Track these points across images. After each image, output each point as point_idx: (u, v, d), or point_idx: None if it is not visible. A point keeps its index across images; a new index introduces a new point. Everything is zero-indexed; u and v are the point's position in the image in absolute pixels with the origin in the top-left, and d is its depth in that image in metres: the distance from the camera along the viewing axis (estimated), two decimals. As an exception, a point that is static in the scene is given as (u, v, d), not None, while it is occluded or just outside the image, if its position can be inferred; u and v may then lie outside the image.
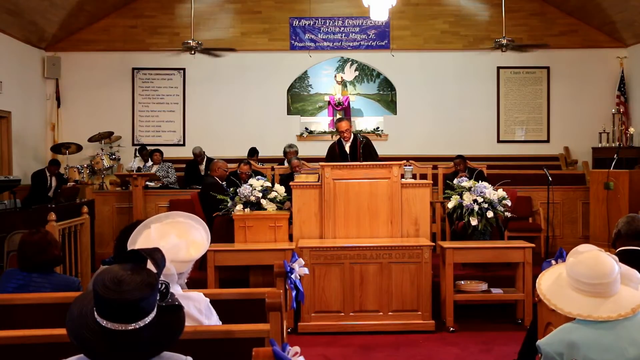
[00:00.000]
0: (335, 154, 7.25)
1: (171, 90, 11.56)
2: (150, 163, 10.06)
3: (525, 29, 11.32)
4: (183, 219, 2.47)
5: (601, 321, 2.23)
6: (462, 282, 6.03)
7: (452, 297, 5.80)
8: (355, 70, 11.92)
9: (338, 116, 11.73)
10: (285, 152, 9.49)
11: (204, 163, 9.90)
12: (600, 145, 10.79)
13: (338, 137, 7.51)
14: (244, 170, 7.99)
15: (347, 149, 7.24)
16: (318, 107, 11.97)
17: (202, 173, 9.68)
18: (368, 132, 11.24)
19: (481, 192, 6.32)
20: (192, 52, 10.67)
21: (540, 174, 8.25)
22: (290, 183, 6.44)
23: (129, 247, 2.29)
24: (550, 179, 7.58)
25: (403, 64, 11.48)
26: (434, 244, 6.10)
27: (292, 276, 3.85)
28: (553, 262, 3.47)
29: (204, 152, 10.12)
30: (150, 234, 2.37)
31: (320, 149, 10.90)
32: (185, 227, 2.45)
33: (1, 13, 9.37)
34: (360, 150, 7.00)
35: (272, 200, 6.44)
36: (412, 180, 6.45)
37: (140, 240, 2.36)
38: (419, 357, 5.10)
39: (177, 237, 2.39)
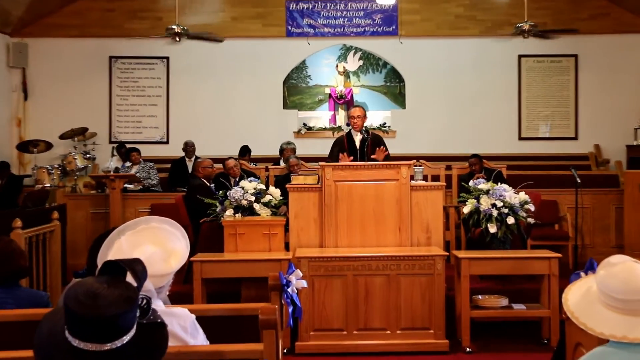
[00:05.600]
0: (344, 148, 7.04)
1: (153, 82, 11.56)
2: (129, 163, 10.06)
3: (550, 12, 11.33)
4: (157, 223, 2.45)
5: (638, 344, 2.21)
6: (480, 297, 6.02)
7: (469, 313, 5.79)
8: (359, 60, 11.92)
9: (340, 110, 11.77)
10: (281, 150, 9.49)
11: (193, 160, 9.86)
12: (635, 143, 10.80)
13: (349, 129, 7.36)
14: (231, 166, 7.97)
15: (358, 143, 7.00)
16: (318, 100, 11.97)
17: (190, 171, 9.67)
18: (374, 129, 11.24)
19: (500, 196, 6.32)
20: (177, 39, 10.65)
21: (568, 175, 8.23)
22: (287, 185, 6.44)
23: (99, 263, 2.27)
24: (579, 181, 7.56)
25: (413, 53, 11.48)
26: (447, 253, 6.08)
27: (289, 290, 3.84)
28: (582, 274, 3.45)
29: (194, 147, 10.14)
30: (122, 246, 2.35)
31: (320, 147, 10.91)
32: (161, 234, 2.43)
33: (-39, -6, 9.39)
34: (369, 147, 6.89)
35: (266, 204, 6.43)
36: (423, 182, 6.44)
37: (112, 253, 2.34)
38: (431, 381, 5.09)
39: (153, 247, 2.36)
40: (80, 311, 1.66)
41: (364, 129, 7.02)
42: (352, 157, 6.77)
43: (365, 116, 7.09)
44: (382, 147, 6.86)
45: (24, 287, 3.81)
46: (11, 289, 3.61)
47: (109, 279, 1.75)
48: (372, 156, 6.76)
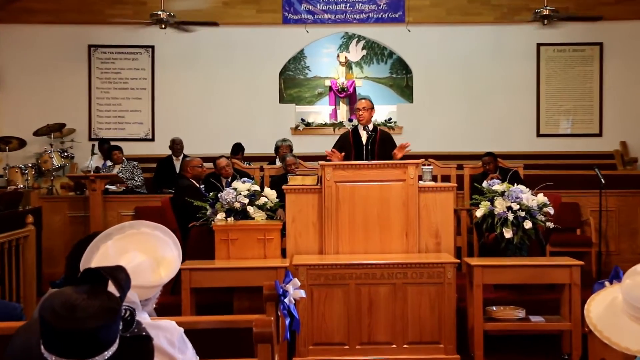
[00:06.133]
0: (348, 144, 7.06)
1: (137, 73, 11.55)
2: (110, 162, 10.06)
3: (572, -4, 11.33)
4: (149, 229, 2.46)
5: (668, 360, 2.22)
6: (494, 308, 6.03)
7: (482, 326, 5.79)
8: (362, 49, 11.92)
9: (341, 104, 11.77)
10: (277, 148, 9.50)
11: (181, 159, 9.87)
12: (665, 140, 10.81)
13: (351, 125, 7.39)
14: (222, 165, 7.98)
15: (365, 140, 7.02)
16: (317, 93, 11.97)
17: (177, 171, 9.68)
18: (378, 125, 11.24)
19: (517, 198, 6.33)
20: (163, 26, 10.66)
21: (591, 175, 8.24)
22: (283, 186, 6.45)
23: (82, 268, 2.28)
24: (603, 182, 7.57)
25: (421, 41, 11.48)
26: (458, 261, 6.10)
27: (286, 300, 3.85)
28: (607, 283, 3.46)
29: (183, 145, 10.14)
30: (108, 251, 2.35)
31: (320, 144, 10.89)
32: (152, 241, 2.43)
33: None
34: (378, 145, 6.90)
35: (261, 207, 6.43)
36: (432, 183, 6.45)
37: (97, 259, 2.35)
38: (441, 400, 5.10)
39: (142, 254, 2.36)
40: (57, 324, 1.66)
41: (370, 124, 7.03)
42: (343, 154, 6.75)
43: (372, 108, 7.10)
44: (407, 142, 6.82)
45: (-5, 297, 3.81)
46: (-19, 299, 3.62)
47: (89, 289, 1.75)
48: (394, 151, 6.73)
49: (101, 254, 2.35)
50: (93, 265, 2.29)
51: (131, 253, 2.35)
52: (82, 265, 2.31)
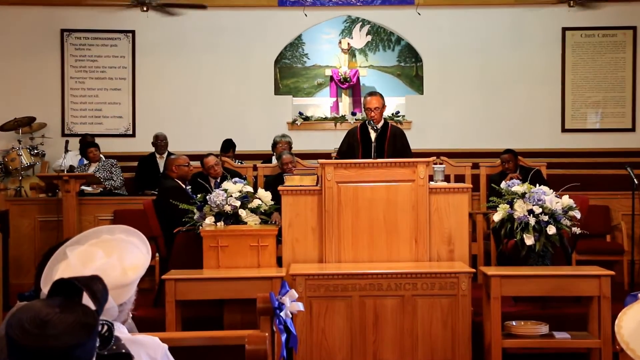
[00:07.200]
0: (356, 141, 7.11)
1: (116, 61, 11.55)
2: (86, 161, 10.05)
3: (601, -25, 11.35)
4: (110, 235, 2.46)
5: None
6: (514, 323, 6.03)
7: (500, 343, 5.79)
8: (367, 34, 11.92)
9: (344, 96, 11.77)
10: (274, 144, 9.49)
11: (165, 156, 9.86)
12: None
13: (354, 119, 7.43)
14: (211, 164, 7.99)
15: (373, 137, 7.06)
16: (316, 84, 11.97)
17: (161, 170, 9.68)
18: (387, 119, 11.25)
19: (539, 200, 6.32)
20: (145, 9, 10.68)
21: (623, 174, 8.24)
22: (279, 187, 6.45)
23: (43, 285, 2.27)
24: (637, 182, 7.56)
25: (432, 25, 11.49)
26: (474, 270, 6.10)
27: (282, 314, 3.85)
28: None
29: (167, 141, 10.14)
30: (70, 263, 2.35)
31: (319, 140, 10.95)
32: (115, 244, 2.44)
33: None
34: (387, 143, 6.91)
35: (254, 210, 6.43)
36: (445, 184, 6.46)
37: (59, 273, 2.34)
38: None
39: (106, 256, 2.37)
40: (26, 342, 1.66)
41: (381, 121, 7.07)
42: None
43: (384, 105, 7.19)
44: None
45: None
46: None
47: (62, 302, 1.75)
48: None
49: (63, 269, 2.35)
50: (57, 277, 2.28)
51: (95, 257, 2.35)
52: (44, 283, 2.29)
